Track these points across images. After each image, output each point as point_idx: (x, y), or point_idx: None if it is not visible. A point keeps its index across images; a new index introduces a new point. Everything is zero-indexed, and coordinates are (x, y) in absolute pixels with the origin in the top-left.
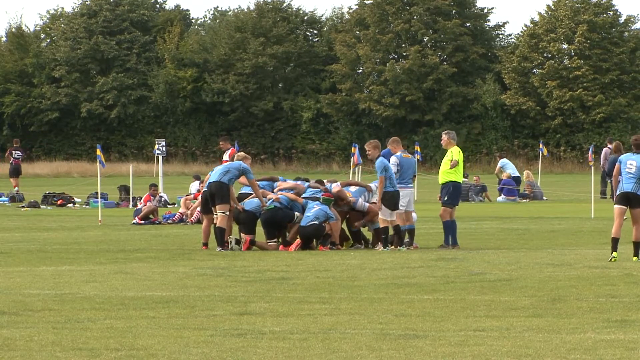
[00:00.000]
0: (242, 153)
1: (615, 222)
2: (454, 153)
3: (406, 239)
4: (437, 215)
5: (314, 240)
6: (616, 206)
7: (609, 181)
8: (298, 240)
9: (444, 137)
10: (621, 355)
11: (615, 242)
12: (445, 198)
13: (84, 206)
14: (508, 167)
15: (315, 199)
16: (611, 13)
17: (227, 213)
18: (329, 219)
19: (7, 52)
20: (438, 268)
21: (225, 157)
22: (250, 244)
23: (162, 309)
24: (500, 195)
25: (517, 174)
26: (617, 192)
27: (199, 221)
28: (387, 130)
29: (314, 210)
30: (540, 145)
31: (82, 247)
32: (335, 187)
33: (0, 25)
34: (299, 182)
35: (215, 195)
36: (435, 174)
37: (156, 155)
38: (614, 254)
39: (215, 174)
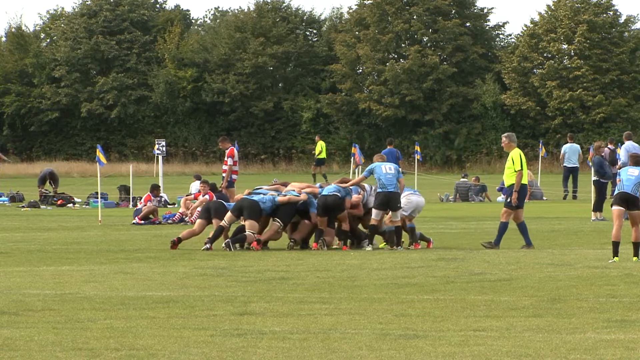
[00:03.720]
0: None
1: (615, 224)
2: (515, 159)
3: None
4: (437, 216)
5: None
6: (614, 207)
7: (593, 179)
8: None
9: (504, 139)
10: (621, 355)
11: (616, 246)
12: (508, 200)
13: (84, 206)
14: (568, 154)
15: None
16: (611, 13)
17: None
18: (347, 194)
19: (7, 52)
20: (438, 268)
21: (225, 157)
22: (258, 243)
23: (162, 309)
24: (500, 195)
25: (574, 165)
26: (616, 192)
27: None
28: (387, 130)
29: (334, 187)
30: (540, 146)
31: (82, 247)
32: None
33: (0, 25)
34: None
35: (245, 209)
36: (435, 174)
37: (156, 155)
38: (615, 258)
39: (259, 196)
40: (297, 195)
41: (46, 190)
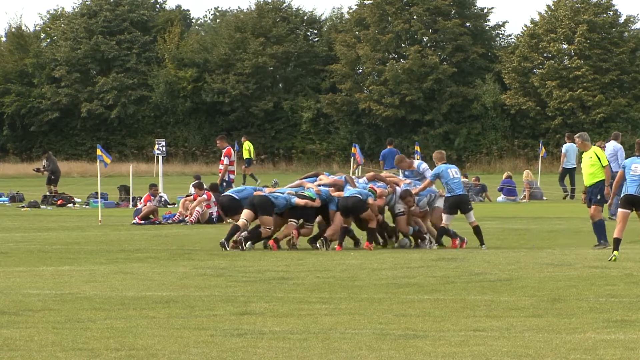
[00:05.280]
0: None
1: (618, 225)
2: (600, 155)
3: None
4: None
5: (352, 216)
6: (620, 210)
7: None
8: (290, 232)
9: (577, 140)
10: (621, 355)
11: (617, 242)
12: (598, 197)
13: (84, 206)
14: (569, 155)
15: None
16: (611, 13)
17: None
18: (370, 195)
19: (7, 52)
20: (438, 268)
21: (222, 156)
22: (275, 242)
23: (162, 309)
24: (500, 195)
25: (573, 165)
26: (622, 195)
27: (198, 221)
28: (387, 130)
29: (356, 189)
30: (540, 146)
31: (82, 247)
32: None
33: (0, 25)
34: (337, 178)
35: (257, 206)
36: None
37: (156, 155)
38: (615, 252)
39: (274, 194)
40: (313, 199)
41: (50, 191)
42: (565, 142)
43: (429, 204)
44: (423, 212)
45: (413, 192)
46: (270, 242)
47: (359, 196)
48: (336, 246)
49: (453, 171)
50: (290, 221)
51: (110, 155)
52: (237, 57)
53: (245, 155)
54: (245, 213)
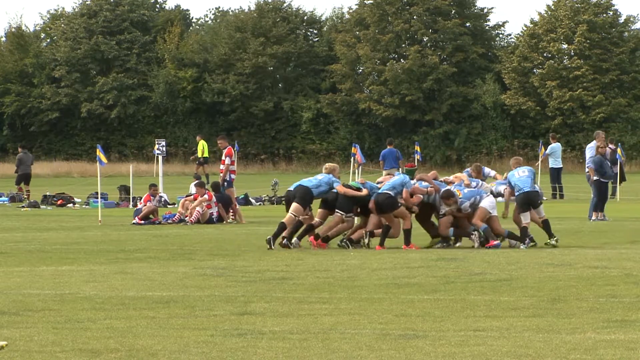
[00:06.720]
0: (332, 164)
1: None
2: None
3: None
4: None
5: (385, 212)
6: None
7: (594, 179)
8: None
9: None
10: (621, 355)
11: None
12: None
13: (84, 206)
14: (555, 155)
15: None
16: (611, 13)
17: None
18: (405, 185)
19: (7, 52)
20: (438, 268)
21: (222, 156)
22: (316, 239)
23: (162, 309)
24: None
25: (560, 165)
26: None
27: (198, 221)
28: (387, 130)
29: (392, 179)
30: (540, 146)
31: (82, 247)
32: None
33: (0, 25)
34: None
35: (297, 196)
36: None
37: (156, 155)
38: None
39: (307, 181)
40: (359, 189)
41: (20, 192)
42: (550, 143)
43: (472, 206)
44: (466, 214)
45: (502, 190)
46: (310, 238)
47: (390, 192)
48: (376, 246)
49: (519, 171)
50: (337, 212)
51: (110, 155)
52: (237, 57)
53: (201, 154)
54: (294, 208)
